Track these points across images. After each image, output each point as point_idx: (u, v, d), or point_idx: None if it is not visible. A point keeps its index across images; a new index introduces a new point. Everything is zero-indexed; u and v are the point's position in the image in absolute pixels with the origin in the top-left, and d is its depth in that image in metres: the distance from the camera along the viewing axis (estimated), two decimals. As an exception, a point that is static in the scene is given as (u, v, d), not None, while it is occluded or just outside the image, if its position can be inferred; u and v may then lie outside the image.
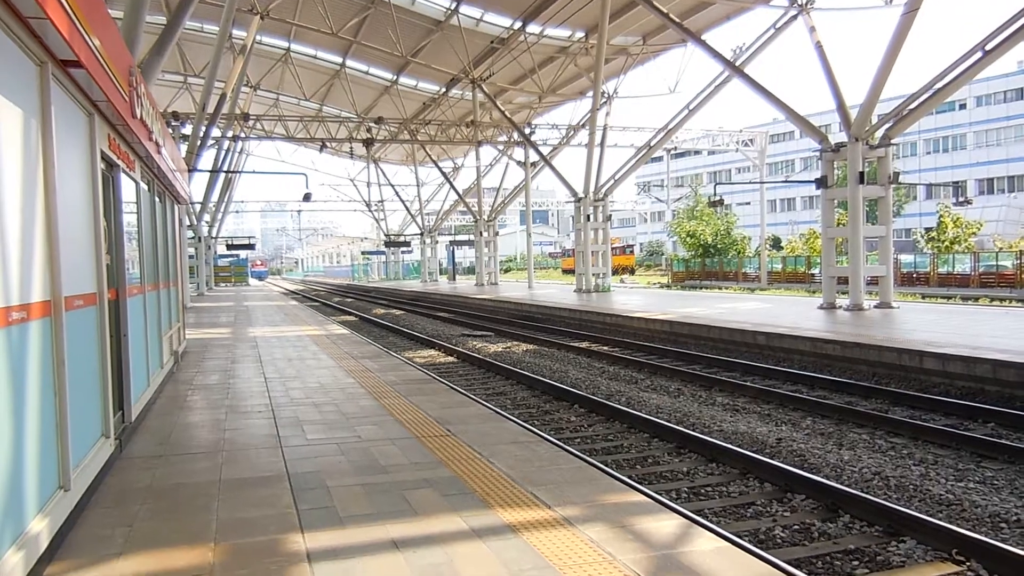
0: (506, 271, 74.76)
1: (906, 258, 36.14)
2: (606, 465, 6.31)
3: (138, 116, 5.72)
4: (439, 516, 4.02)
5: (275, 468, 5.01)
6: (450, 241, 56.40)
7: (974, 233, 38.82)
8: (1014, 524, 5.12)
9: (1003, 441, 6.94)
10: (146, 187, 7.57)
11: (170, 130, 17.07)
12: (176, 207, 10.78)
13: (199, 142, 21.99)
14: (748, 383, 10.35)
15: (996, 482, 6.03)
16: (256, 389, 8.24)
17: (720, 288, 39.48)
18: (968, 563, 4.37)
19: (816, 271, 36.37)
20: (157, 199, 8.54)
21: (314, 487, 4.56)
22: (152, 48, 10.85)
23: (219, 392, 8.13)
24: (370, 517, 4.02)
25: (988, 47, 14.36)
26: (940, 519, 5.05)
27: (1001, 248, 36.85)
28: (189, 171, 18.83)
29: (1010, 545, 4.52)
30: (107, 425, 4.96)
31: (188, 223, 34.76)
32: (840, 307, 17.21)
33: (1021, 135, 65.15)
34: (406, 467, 4.97)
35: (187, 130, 25.51)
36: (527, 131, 32.65)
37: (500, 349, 15.72)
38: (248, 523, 3.95)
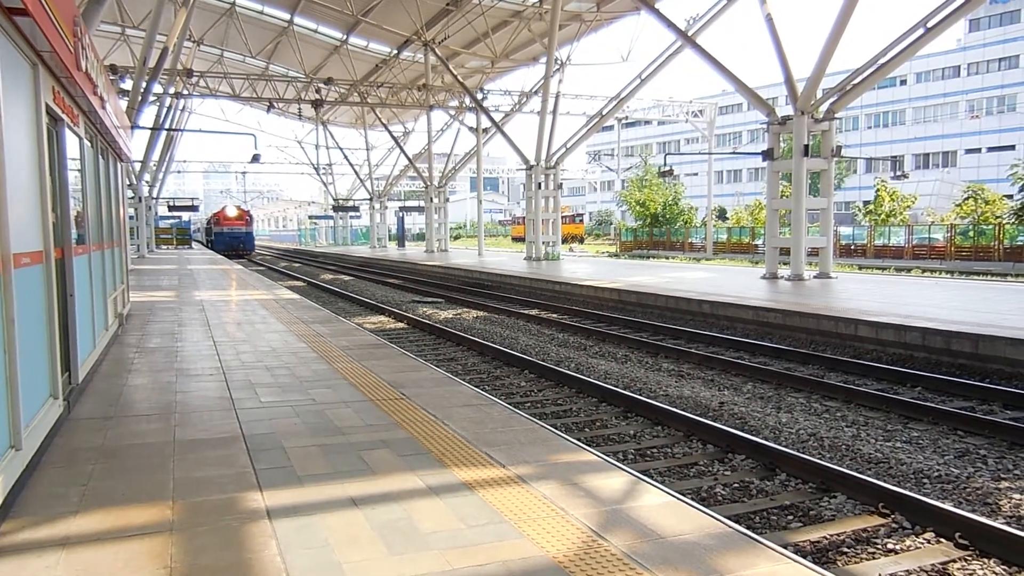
0: (456, 238, 74.47)
1: (845, 230, 37.38)
2: (557, 428, 6.49)
3: (83, 68, 5.53)
4: (396, 475, 4.11)
5: (230, 429, 5.02)
6: (400, 207, 55.82)
7: (909, 207, 40.33)
8: (935, 479, 5.49)
9: (928, 404, 7.37)
10: (90, 143, 7.33)
11: (109, 85, 16.37)
12: (119, 165, 10.45)
13: (139, 98, 21.19)
14: (693, 350, 10.68)
15: (921, 442, 6.42)
16: (206, 352, 8.15)
17: (667, 258, 40.20)
18: (893, 515, 4.68)
19: (760, 242, 37.31)
20: (100, 156, 8.28)
21: (270, 448, 4.60)
22: (91, -2, 10.40)
23: (167, 355, 8.01)
24: (328, 476, 4.09)
25: (930, 24, 14.82)
26: (868, 476, 5.37)
27: (933, 221, 38.39)
28: (130, 128, 18.16)
29: (930, 498, 4.87)
30: (55, 386, 4.88)
31: (128, 182, 33.58)
32: (782, 277, 17.77)
33: (956, 112, 67.51)
34: (362, 429, 5.04)
35: (126, 85, 24.51)
36: (479, 96, 32.38)
37: (451, 315, 15.78)
38: (206, 482, 3.98)
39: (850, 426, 6.93)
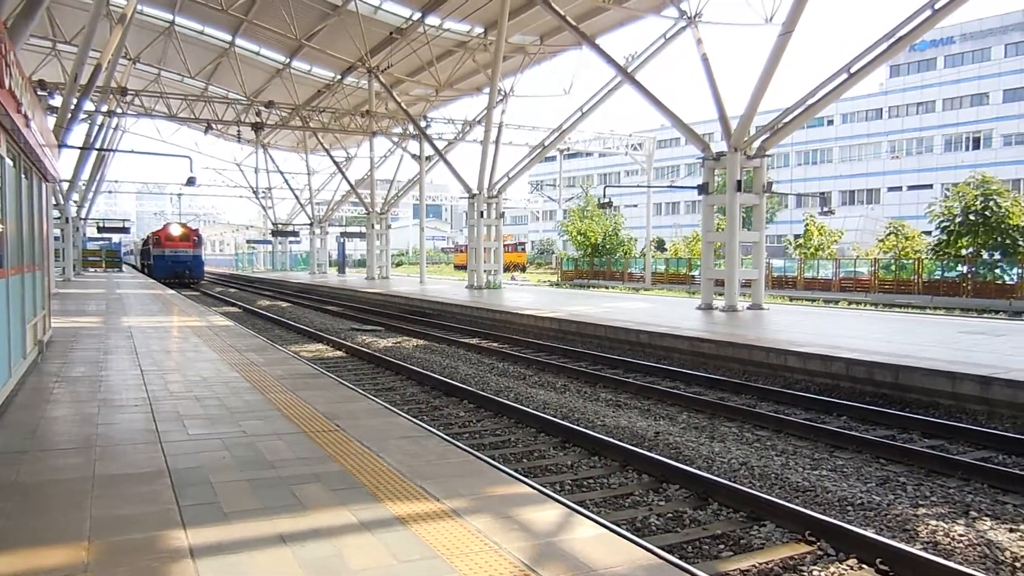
0: (398, 265, 73.97)
1: (777, 263, 38.66)
2: (494, 459, 6.46)
3: (6, 86, 5.33)
4: (328, 510, 4.02)
5: (154, 464, 4.83)
6: (341, 232, 55.21)
7: (836, 241, 42.03)
8: (859, 507, 5.67)
9: (853, 432, 7.63)
10: (11, 163, 7.04)
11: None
12: (44, 185, 10.05)
13: (69, 115, 20.48)
14: (630, 380, 10.81)
15: (846, 470, 6.64)
16: (132, 382, 7.85)
17: (607, 287, 40.77)
18: (819, 543, 4.81)
19: (697, 273, 38.22)
20: (23, 176, 7.95)
21: (197, 483, 4.44)
22: (20, 10, 10.06)
23: (90, 385, 7.68)
24: (256, 512, 3.97)
25: (852, 69, 15.61)
26: (796, 504, 5.52)
27: (858, 256, 40.07)
28: (58, 146, 17.52)
29: (854, 526, 5.02)
30: (-36, 419, 4.62)
31: (55, 202, 32.29)
32: (717, 308, 18.22)
33: (879, 152, 71.06)
34: (294, 462, 4.92)
35: (56, 101, 23.68)
36: (423, 124, 32.46)
37: (390, 344, 15.62)
38: (126, 520, 3.81)
39: (780, 455, 7.11)
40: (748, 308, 18.23)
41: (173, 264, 39.88)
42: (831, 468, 6.69)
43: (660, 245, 62.52)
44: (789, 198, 68.20)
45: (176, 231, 41.40)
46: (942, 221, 32.00)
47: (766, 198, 18.68)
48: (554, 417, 8.24)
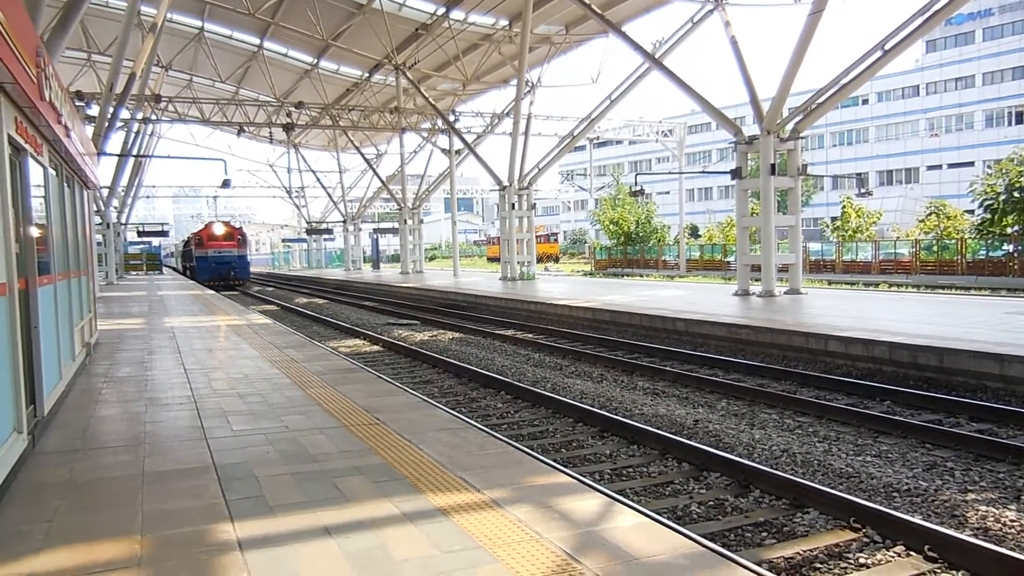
0: (431, 259, 74.39)
1: (814, 246, 37.98)
2: (533, 449, 6.48)
3: (47, 98, 5.47)
4: (370, 502, 4.08)
5: (201, 460, 4.94)
6: (374, 229, 55.65)
7: (874, 223, 41.11)
8: (904, 493, 5.56)
9: (897, 417, 7.49)
10: (54, 172, 7.24)
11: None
12: (85, 192, 10.31)
13: (106, 124, 20.96)
14: (667, 368, 10.74)
15: (890, 455, 6.52)
16: (176, 381, 8.03)
17: (641, 275, 40.49)
18: (864, 530, 4.74)
19: (732, 259, 37.76)
20: (66, 184, 8.17)
21: (242, 477, 4.54)
22: (55, 24, 10.31)
23: (137, 384, 7.88)
24: (301, 505, 4.04)
25: (887, 46, 15.24)
26: (840, 491, 5.43)
27: (899, 237, 39.18)
28: (97, 154, 17.95)
29: (900, 512, 4.93)
30: (19, 420, 4.78)
31: (96, 209, 33.10)
32: (754, 293, 17.99)
33: (917, 130, 69.27)
34: (335, 455, 4.99)
35: (93, 111, 24.25)
36: (451, 118, 32.53)
37: (426, 338, 15.73)
38: (175, 515, 3.91)
39: (822, 441, 7.00)
40: (786, 293, 17.97)
41: (217, 265, 37.45)
42: (875, 454, 6.57)
43: (694, 231, 61.91)
44: (825, 180, 66.93)
45: (219, 230, 38.76)
46: (985, 199, 31.10)
47: (801, 181, 18.37)
48: (592, 407, 8.22)
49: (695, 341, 13.08)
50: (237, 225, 41.86)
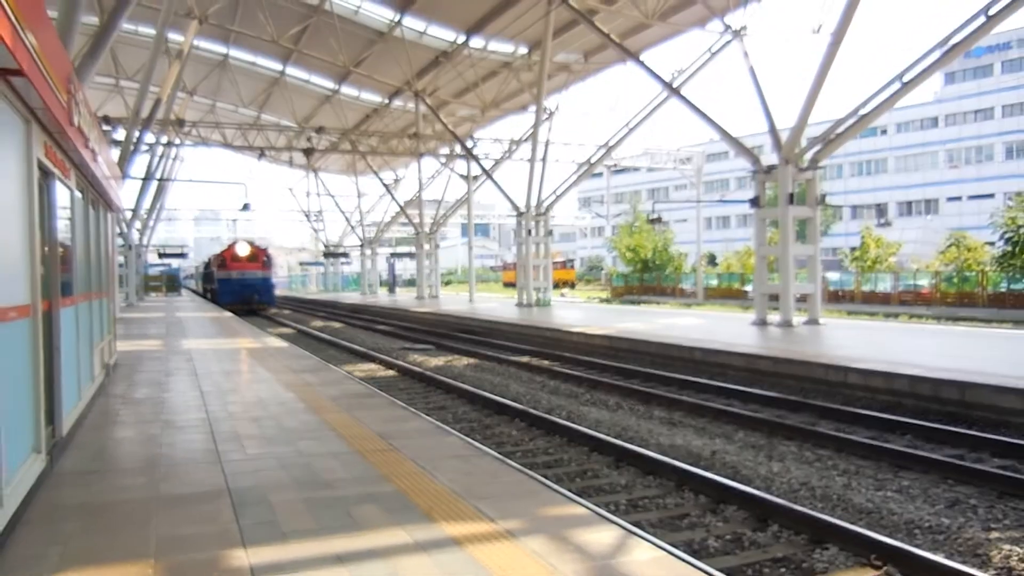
0: (447, 284, 74.58)
1: (833, 276, 37.70)
2: (548, 478, 6.42)
3: (75, 124, 5.60)
4: (383, 530, 4.06)
5: (215, 483, 4.95)
6: (390, 253, 55.97)
7: (894, 253, 40.79)
8: (927, 530, 5.45)
9: (919, 452, 7.36)
10: (80, 195, 7.38)
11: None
12: (109, 215, 10.48)
13: (131, 148, 21.37)
14: (684, 397, 10.64)
15: (912, 491, 6.40)
16: (192, 403, 8.07)
17: (658, 303, 40.34)
18: (885, 567, 4.64)
19: (749, 288, 37.57)
20: (91, 207, 8.32)
21: (255, 502, 4.54)
22: (86, 50, 10.56)
23: (153, 406, 7.93)
24: (313, 532, 4.03)
25: (905, 78, 15.24)
26: (860, 527, 5.33)
27: (918, 268, 38.83)
28: (121, 178, 18.26)
29: (922, 549, 4.83)
30: (38, 440, 4.82)
31: (119, 231, 33.61)
32: (772, 323, 17.85)
33: (936, 161, 68.92)
34: (349, 482, 4.98)
35: (119, 135, 24.72)
36: (469, 144, 32.83)
37: (441, 363, 15.73)
38: (188, 539, 3.91)
39: (841, 475, 6.90)
40: (804, 323, 17.81)
41: (240, 288, 34.75)
42: (896, 489, 6.46)
43: (712, 260, 61.71)
44: (844, 210, 66.62)
45: (243, 250, 36.08)
46: (1006, 232, 30.79)
47: (820, 210, 18.30)
48: (607, 436, 8.15)
49: (712, 371, 12.97)
50: (263, 246, 38.62)
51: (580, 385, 12.40)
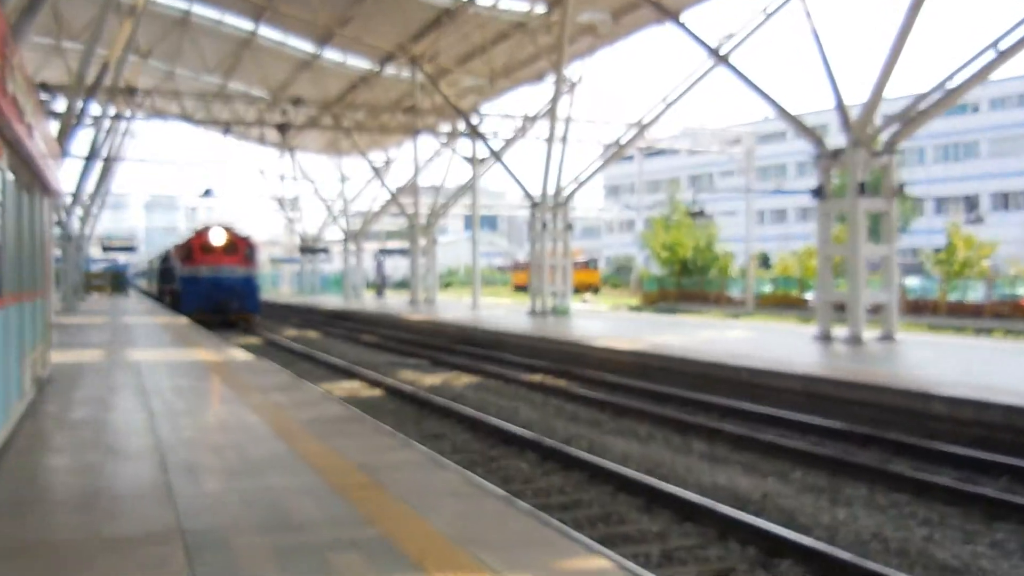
0: (447, 286, 74.74)
1: (912, 282, 37.50)
2: (564, 523, 6.41)
3: (9, 92, 5.64)
4: (366, 583, 4.05)
5: (165, 523, 4.96)
6: (379, 249, 56.14)
7: (987, 256, 40.48)
8: (1025, 594, 5.40)
9: (1017, 499, 7.29)
10: (12, 177, 7.42)
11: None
12: (46, 201, 10.56)
13: (74, 120, 21.55)
14: (729, 428, 10.62)
15: (1007, 546, 6.34)
16: (140, 426, 8.11)
17: (699, 312, 40.24)
18: (974, 638, 4.59)
19: (810, 295, 37.41)
20: (24, 191, 8.37)
21: (213, 547, 4.54)
22: (22, 6, 10.66)
23: (94, 429, 7.97)
24: (282, 584, 4.02)
25: (1001, 46, 15.15)
26: (944, 588, 5.29)
27: (1017, 273, 38.54)
28: (61, 156, 18.41)
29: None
30: (-45, 469, 4.84)
31: (56, 219, 33.90)
32: (837, 338, 17.76)
33: (1039, 145, 68.41)
34: (325, 524, 4.98)
35: (59, 105, 24.95)
36: (475, 120, 32.90)
37: (438, 382, 15.77)
38: (132, 591, 3.91)
39: (921, 525, 6.85)
40: (877, 339, 17.71)
41: (213, 290, 30.00)
42: (989, 543, 6.40)
43: (765, 261, 61.50)
44: (926, 202, 66.27)
45: (218, 238, 31.44)
46: None
47: (897, 203, 18.21)
48: (636, 472, 8.14)
49: (764, 395, 12.90)
50: (242, 233, 33.57)
51: (604, 411, 12.39)
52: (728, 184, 72.08)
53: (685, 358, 15.05)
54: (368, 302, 46.03)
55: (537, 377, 15.95)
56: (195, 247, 31.30)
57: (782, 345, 17.29)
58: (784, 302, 41.18)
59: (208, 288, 30.01)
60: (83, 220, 40.02)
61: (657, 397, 13.36)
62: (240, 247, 31.72)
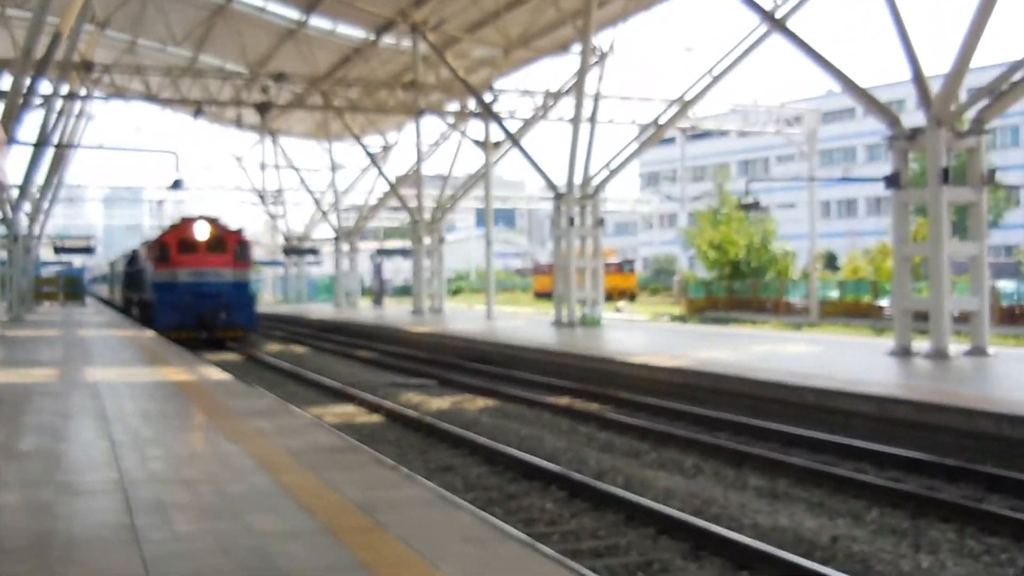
0: (456, 292, 74.93)
1: (1007, 286, 37.19)
2: (596, 572, 6.40)
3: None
4: (365, 643, 4.05)
5: (130, 571, 4.97)
6: (377, 249, 56.33)
7: (1097, 255, 40.18)
8: None
9: None
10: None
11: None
12: (-12, 195, 10.67)
13: (21, 101, 21.76)
14: (792, 459, 10.58)
15: (1125, 599, 6.26)
16: (100, 458, 8.15)
17: (754, 323, 40.12)
18: None
19: (885, 302, 37.19)
20: (-37, 184, 8.46)
21: (186, 601, 4.56)
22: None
23: (45, 461, 8.02)
24: (267, 644, 4.03)
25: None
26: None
27: None
28: (7, 143, 18.60)
29: None
30: None
31: (0, 215, 34.24)
32: (918, 353, 17.64)
33: None
34: (317, 573, 4.99)
35: (4, 83, 25.20)
36: (488, 98, 32.94)
37: (447, 405, 15.80)
38: (92, 652, 3.93)
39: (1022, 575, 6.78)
40: (965, 354, 17.56)
41: (196, 300, 27.96)
42: (1103, 595, 6.33)
43: (831, 262, 61.28)
44: (1022, 192, 65.74)
45: (202, 233, 29.41)
46: None
47: (987, 192, 18.08)
48: (682, 512, 8.12)
49: (832, 421, 12.85)
50: (232, 227, 31.69)
51: (643, 439, 12.37)
52: (786, 171, 71.86)
53: (738, 377, 15.01)
54: (364, 311, 46.19)
55: (564, 400, 15.92)
56: (172, 245, 29.37)
57: (853, 361, 17.21)
58: (854, 310, 40.99)
59: (189, 297, 28.04)
60: (32, 217, 40.37)
61: (706, 423, 13.34)
62: (229, 244, 29.78)
